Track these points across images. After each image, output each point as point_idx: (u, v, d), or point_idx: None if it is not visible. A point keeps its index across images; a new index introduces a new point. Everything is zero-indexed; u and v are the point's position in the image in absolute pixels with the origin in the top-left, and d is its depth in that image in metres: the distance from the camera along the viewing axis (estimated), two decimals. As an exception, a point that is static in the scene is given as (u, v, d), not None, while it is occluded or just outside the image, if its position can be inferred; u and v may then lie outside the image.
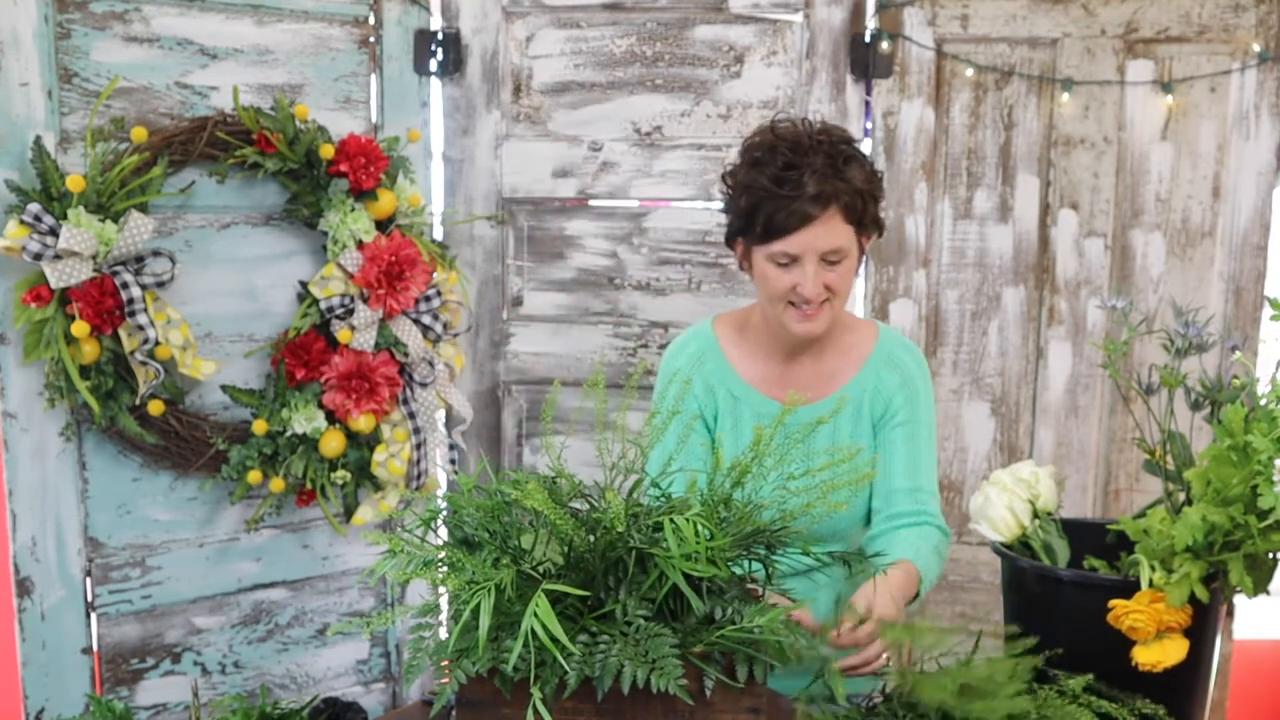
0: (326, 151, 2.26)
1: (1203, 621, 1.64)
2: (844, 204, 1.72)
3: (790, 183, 1.71)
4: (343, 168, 2.28)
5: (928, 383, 1.93)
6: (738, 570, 1.49)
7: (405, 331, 2.38)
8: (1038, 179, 2.53)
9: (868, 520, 1.92)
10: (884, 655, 1.62)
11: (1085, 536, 1.81)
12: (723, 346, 1.90)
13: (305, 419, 2.27)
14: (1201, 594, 1.57)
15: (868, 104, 2.57)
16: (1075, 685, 1.61)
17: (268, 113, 2.25)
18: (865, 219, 1.77)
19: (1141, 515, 1.73)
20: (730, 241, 1.85)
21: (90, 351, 2.05)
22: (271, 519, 2.37)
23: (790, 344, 1.87)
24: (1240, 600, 1.81)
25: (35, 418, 2.08)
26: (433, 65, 2.57)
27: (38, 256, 1.98)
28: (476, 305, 2.68)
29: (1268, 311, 1.87)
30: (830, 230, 1.73)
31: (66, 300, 2.03)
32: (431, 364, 2.43)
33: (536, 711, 1.31)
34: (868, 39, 2.53)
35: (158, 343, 2.10)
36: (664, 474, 1.51)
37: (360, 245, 2.31)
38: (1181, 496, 1.70)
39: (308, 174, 2.29)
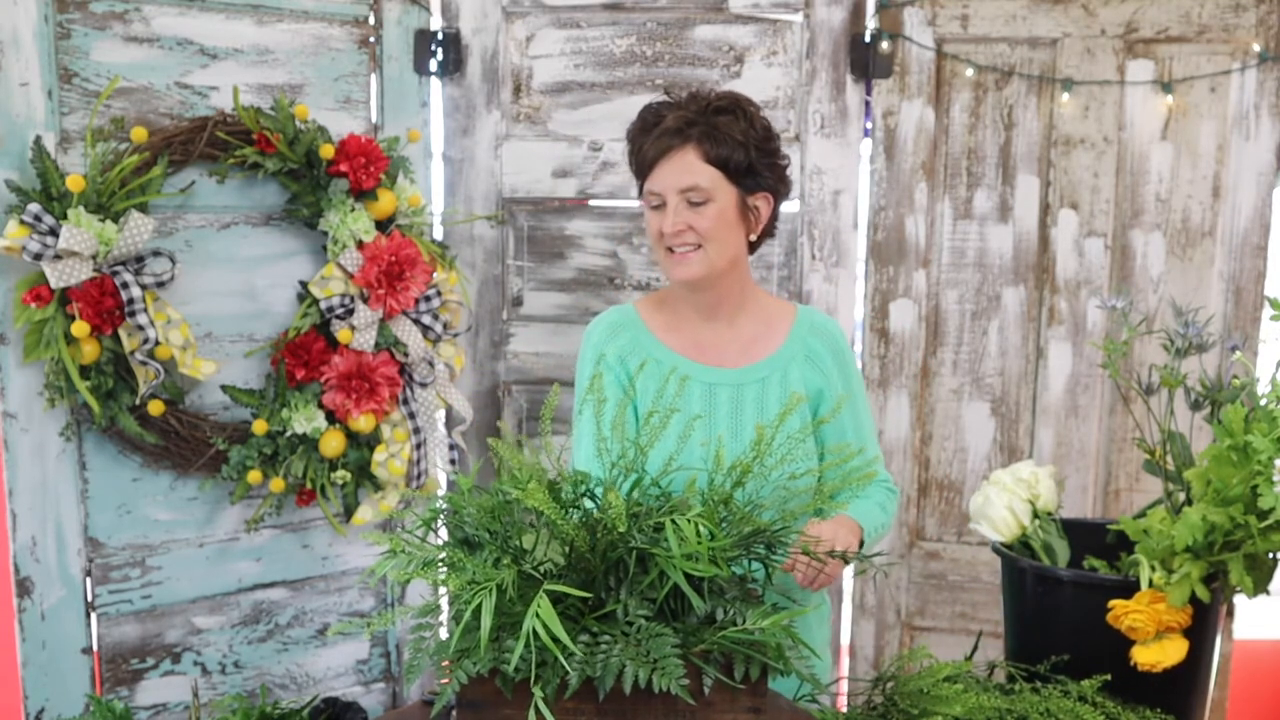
0: (326, 151, 2.26)
1: (1203, 621, 1.64)
2: (703, 144, 1.77)
3: (654, 122, 1.81)
4: (343, 168, 2.28)
5: (851, 350, 1.99)
6: (738, 570, 1.49)
7: (405, 331, 2.38)
8: (1038, 179, 2.53)
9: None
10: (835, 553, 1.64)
11: (1085, 536, 1.81)
12: (644, 319, 1.93)
13: (305, 419, 2.27)
14: (1202, 594, 1.58)
15: (868, 104, 2.57)
16: (1088, 686, 1.61)
17: (268, 113, 2.25)
18: (732, 166, 1.78)
19: (1141, 515, 1.73)
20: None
21: (90, 351, 2.05)
22: (271, 519, 2.37)
23: (700, 308, 1.90)
24: (1240, 600, 1.82)
25: (35, 418, 2.08)
26: (433, 65, 2.57)
27: (38, 256, 1.98)
28: (476, 305, 2.68)
29: (1268, 311, 1.87)
30: (688, 166, 1.77)
31: (66, 300, 2.03)
32: (431, 364, 2.43)
33: (538, 711, 1.31)
34: (868, 39, 2.53)
35: (158, 343, 2.10)
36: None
37: (360, 245, 2.31)
38: (1181, 496, 1.70)
39: (308, 174, 2.29)
